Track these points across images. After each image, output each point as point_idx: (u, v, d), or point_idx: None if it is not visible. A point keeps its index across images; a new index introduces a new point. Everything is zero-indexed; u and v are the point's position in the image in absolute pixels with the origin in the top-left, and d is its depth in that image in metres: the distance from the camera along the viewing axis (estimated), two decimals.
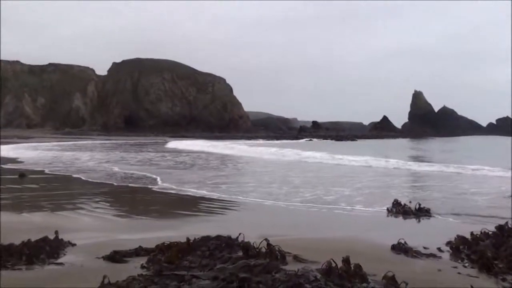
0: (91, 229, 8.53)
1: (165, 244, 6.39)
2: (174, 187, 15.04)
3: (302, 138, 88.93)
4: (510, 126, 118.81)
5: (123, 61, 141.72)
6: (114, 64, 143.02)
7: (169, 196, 13.37)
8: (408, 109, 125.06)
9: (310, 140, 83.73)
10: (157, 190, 14.52)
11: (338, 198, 12.96)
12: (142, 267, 5.77)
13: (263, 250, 5.98)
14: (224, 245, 6.43)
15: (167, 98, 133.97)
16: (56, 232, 6.86)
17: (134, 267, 5.77)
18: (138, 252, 6.41)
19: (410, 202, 11.23)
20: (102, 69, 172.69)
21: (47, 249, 6.32)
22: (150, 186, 15.30)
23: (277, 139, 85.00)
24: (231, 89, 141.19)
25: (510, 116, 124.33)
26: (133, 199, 13.20)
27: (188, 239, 6.46)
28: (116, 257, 6.15)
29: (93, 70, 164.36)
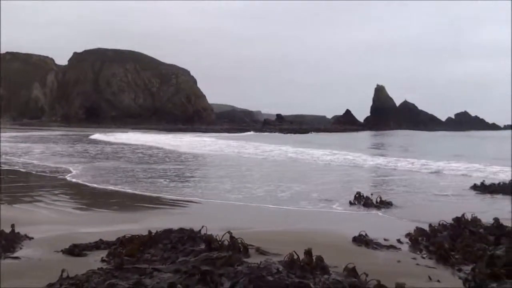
0: (50, 222, 8.34)
1: (127, 237, 6.31)
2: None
3: (266, 131, 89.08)
4: (468, 120, 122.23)
5: (85, 51, 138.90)
6: (75, 54, 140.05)
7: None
8: (371, 103, 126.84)
9: (271, 132, 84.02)
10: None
11: (298, 192, 13.05)
12: (103, 260, 5.68)
13: (226, 243, 5.97)
14: (186, 238, 6.39)
15: (130, 89, 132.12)
16: (12, 226, 6.67)
17: (94, 261, 5.67)
18: (99, 245, 6.30)
19: (372, 194, 11.40)
20: (62, 59, 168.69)
21: (3, 243, 6.14)
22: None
23: (241, 131, 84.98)
24: (195, 81, 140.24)
25: (467, 111, 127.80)
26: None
27: (150, 232, 6.39)
28: (75, 250, 6.04)
29: (52, 60, 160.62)
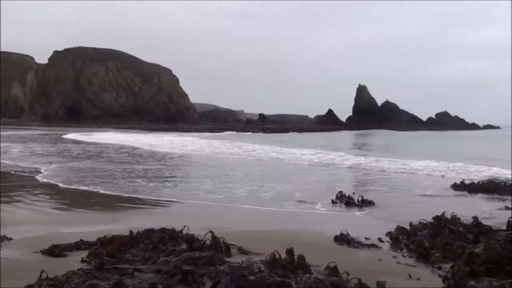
0: (29, 223, 8.23)
1: (107, 237, 6.26)
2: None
3: (248, 131, 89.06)
4: (448, 120, 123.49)
5: (65, 50, 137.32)
6: (55, 52, 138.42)
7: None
8: (353, 103, 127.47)
9: (254, 132, 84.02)
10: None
11: (281, 192, 13.08)
12: (83, 261, 5.63)
13: (208, 242, 5.96)
14: (168, 237, 6.37)
15: (111, 89, 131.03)
16: None
17: (74, 261, 5.62)
18: (79, 245, 6.25)
19: (353, 194, 11.47)
20: (42, 58, 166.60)
21: None
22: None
23: (224, 131, 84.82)
24: (177, 80, 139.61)
25: (447, 111, 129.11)
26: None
27: (131, 232, 6.35)
28: (55, 251, 5.97)
29: (32, 58, 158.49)
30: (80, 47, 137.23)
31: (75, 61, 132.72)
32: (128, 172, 17.03)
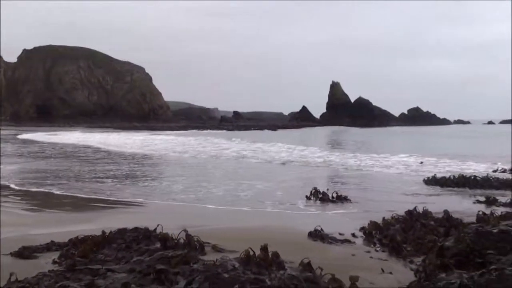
0: None
1: (79, 237, 6.18)
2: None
3: (223, 128, 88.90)
4: (420, 116, 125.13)
5: (35, 48, 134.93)
6: (25, 51, 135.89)
7: None
8: (327, 100, 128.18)
9: (228, 130, 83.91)
10: None
11: (255, 189, 13.09)
12: (54, 262, 5.54)
13: (182, 241, 5.93)
14: (141, 237, 6.32)
15: (83, 87, 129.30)
16: None
17: (45, 263, 5.52)
18: (50, 247, 6.14)
19: (327, 190, 11.55)
20: (11, 57, 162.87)
21: None
22: None
23: (198, 129, 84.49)
24: (150, 79, 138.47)
25: (419, 106, 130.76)
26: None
27: (103, 232, 6.28)
28: (25, 253, 5.86)
29: (0, 57, 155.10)
30: (50, 46, 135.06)
31: (45, 60, 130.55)
32: (89, 172, 16.84)
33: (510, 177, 14.85)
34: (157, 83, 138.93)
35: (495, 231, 5.06)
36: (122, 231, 6.41)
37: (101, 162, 20.85)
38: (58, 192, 12.08)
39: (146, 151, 28.96)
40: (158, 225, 6.48)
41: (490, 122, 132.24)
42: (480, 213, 7.84)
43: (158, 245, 5.88)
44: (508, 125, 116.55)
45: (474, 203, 10.94)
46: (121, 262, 5.27)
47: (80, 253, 5.61)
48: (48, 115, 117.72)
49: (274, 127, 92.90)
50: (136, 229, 6.51)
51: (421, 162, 20.02)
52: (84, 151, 28.10)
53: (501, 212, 7.96)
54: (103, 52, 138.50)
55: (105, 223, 7.86)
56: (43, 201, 11.00)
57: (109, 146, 31.82)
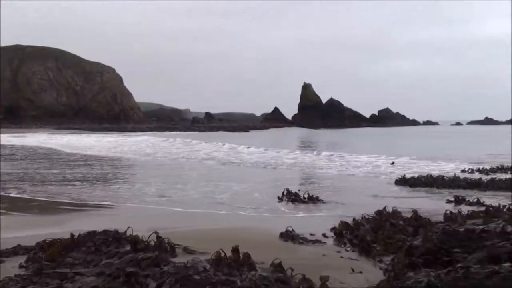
0: None
1: (47, 241, 6.06)
2: None
3: (195, 130, 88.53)
4: (390, 117, 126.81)
5: (2, 48, 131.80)
6: None
7: None
8: (299, 101, 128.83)
9: (200, 131, 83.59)
10: None
11: (227, 190, 13.08)
12: (21, 266, 5.42)
13: (152, 243, 5.88)
14: (111, 239, 6.22)
15: (52, 88, 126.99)
16: None
17: (12, 267, 5.40)
18: (17, 251, 6.01)
19: (299, 190, 11.61)
20: None
21: None
22: None
23: (170, 130, 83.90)
24: (121, 79, 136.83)
25: (389, 107, 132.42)
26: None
27: (72, 235, 6.17)
28: None
29: None
30: (17, 46, 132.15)
31: (13, 60, 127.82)
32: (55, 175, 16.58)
33: (477, 177, 15.17)
34: (128, 84, 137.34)
35: (461, 230, 5.17)
36: (91, 234, 6.31)
37: (69, 165, 20.54)
38: (25, 196, 11.84)
39: (116, 153, 28.64)
40: (128, 228, 6.40)
41: (458, 123, 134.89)
42: (448, 212, 8.00)
43: (128, 247, 5.81)
44: (475, 126, 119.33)
45: (442, 202, 11.14)
46: (90, 265, 5.19)
47: (48, 256, 5.50)
48: (15, 116, 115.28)
49: (246, 128, 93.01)
50: (105, 231, 6.41)
51: (392, 163, 20.29)
52: (51, 154, 27.62)
53: (468, 211, 8.13)
54: (72, 53, 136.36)
55: (74, 226, 7.73)
56: (9, 204, 10.75)
57: (77, 149, 31.22)
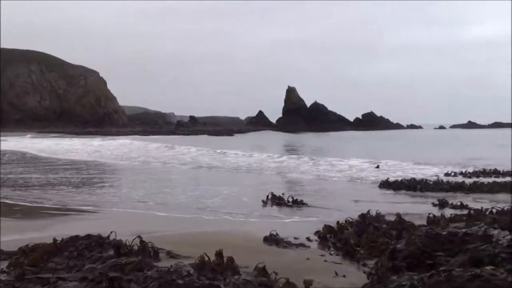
0: None
1: (29, 246, 6.00)
2: None
3: (179, 133, 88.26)
4: (374, 120, 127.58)
5: None
6: None
7: None
8: (283, 104, 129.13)
9: (185, 134, 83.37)
10: None
11: (211, 194, 13.05)
12: (2, 272, 5.35)
13: (136, 247, 5.85)
14: (94, 244, 6.18)
15: (35, 91, 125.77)
16: None
17: None
18: None
19: (283, 194, 11.62)
20: None
21: None
22: None
23: (154, 134, 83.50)
24: (105, 83, 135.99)
25: (373, 111, 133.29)
26: None
27: (54, 240, 6.11)
28: None
29: None
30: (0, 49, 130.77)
31: None
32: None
33: (461, 181, 15.33)
34: (112, 87, 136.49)
35: (444, 233, 5.22)
36: (74, 239, 6.26)
37: (52, 170, 20.34)
38: (6, 200, 11.70)
39: (99, 157, 28.42)
40: (111, 232, 6.36)
41: (441, 127, 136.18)
42: (431, 215, 8.07)
43: (111, 252, 5.77)
44: (459, 130, 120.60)
45: (425, 205, 11.23)
46: (73, 270, 5.14)
47: (30, 261, 5.44)
48: None
49: (230, 132, 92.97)
50: (88, 236, 6.37)
51: (377, 166, 20.41)
52: (32, 159, 27.33)
53: (451, 215, 8.22)
54: (55, 56, 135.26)
55: (57, 230, 7.67)
56: None
57: (57, 154, 30.80)
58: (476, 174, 17.65)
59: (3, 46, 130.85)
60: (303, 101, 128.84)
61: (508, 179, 15.84)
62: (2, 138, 54.08)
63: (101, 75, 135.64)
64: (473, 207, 9.84)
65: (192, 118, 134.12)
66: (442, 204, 11.06)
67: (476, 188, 13.70)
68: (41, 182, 15.46)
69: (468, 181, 15.24)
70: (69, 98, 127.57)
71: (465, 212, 8.89)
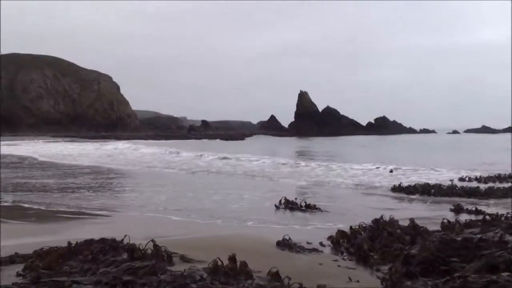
0: None
1: (44, 249, 6.05)
2: None
3: (191, 138, 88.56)
4: (387, 125, 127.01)
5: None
6: None
7: None
8: (295, 108, 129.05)
9: (197, 139, 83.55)
10: None
11: (223, 199, 13.07)
12: (18, 275, 5.40)
13: (149, 251, 5.87)
14: (108, 248, 6.21)
15: (49, 96, 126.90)
16: None
17: (9, 276, 5.38)
18: (14, 259, 5.98)
19: (296, 198, 11.60)
20: None
21: None
22: None
23: (167, 138, 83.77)
24: (118, 87, 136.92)
25: (386, 116, 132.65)
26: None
27: (69, 243, 6.16)
28: None
29: None
30: (14, 54, 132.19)
31: (9, 68, 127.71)
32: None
33: (475, 186, 15.20)
34: (124, 91, 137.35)
35: (459, 239, 5.18)
36: (88, 242, 6.30)
37: (67, 175, 20.49)
38: (22, 204, 11.80)
39: (110, 162, 28.62)
40: (125, 236, 6.39)
41: (455, 131, 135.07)
42: (445, 221, 8.01)
43: (125, 256, 5.80)
44: (473, 134, 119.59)
45: (439, 211, 11.14)
46: (87, 273, 5.18)
47: (45, 265, 5.48)
48: (11, 124, 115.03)
49: (242, 136, 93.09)
50: (102, 240, 6.41)
51: (391, 171, 20.31)
52: (40, 164, 27.55)
53: (465, 220, 8.16)
54: (69, 61, 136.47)
55: (71, 234, 7.72)
56: (7, 213, 10.71)
57: (69, 160, 30.98)
58: (491, 179, 17.48)
59: (16, 51, 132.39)
60: (315, 105, 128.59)
61: None
62: (14, 143, 54.51)
63: (114, 79, 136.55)
64: (488, 212, 9.74)
65: (204, 122, 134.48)
66: (457, 210, 10.98)
67: (491, 193, 13.57)
68: (55, 186, 15.58)
69: (483, 186, 15.11)
70: (83, 102, 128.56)
71: (480, 217, 8.81)
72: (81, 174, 19.73)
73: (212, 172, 21.21)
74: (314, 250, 6.99)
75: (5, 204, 11.78)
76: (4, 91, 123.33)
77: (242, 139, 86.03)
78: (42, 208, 11.24)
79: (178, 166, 24.62)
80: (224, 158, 29.18)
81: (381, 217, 8.23)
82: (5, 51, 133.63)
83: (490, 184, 15.75)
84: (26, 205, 11.54)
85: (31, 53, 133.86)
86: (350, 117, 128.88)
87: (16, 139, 66.99)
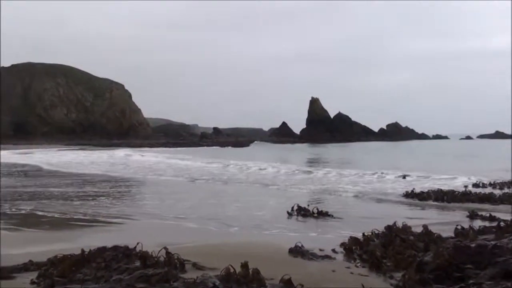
0: None
1: (58, 257, 6.09)
2: None
3: (203, 145, 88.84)
4: (399, 131, 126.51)
5: (12, 65, 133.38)
6: (2, 68, 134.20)
7: None
8: (306, 115, 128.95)
9: (209, 146, 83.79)
10: None
11: (236, 207, 13.07)
12: (32, 282, 5.45)
13: (162, 259, 5.89)
14: (121, 255, 6.25)
15: (62, 104, 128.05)
16: None
17: (23, 283, 5.43)
18: (28, 266, 6.04)
19: (308, 205, 11.57)
20: None
21: None
22: None
23: (179, 146, 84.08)
24: (130, 95, 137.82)
25: (398, 122, 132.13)
26: None
27: (82, 251, 6.20)
28: (2, 273, 5.75)
29: None
30: (28, 63, 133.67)
31: (24, 77, 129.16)
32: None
33: (489, 192, 15.06)
34: (137, 99, 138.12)
35: (473, 245, 5.13)
36: (101, 250, 6.34)
37: (81, 184, 20.62)
38: (36, 212, 11.89)
39: (121, 170, 28.76)
40: (138, 243, 6.42)
41: (468, 137, 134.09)
42: (459, 227, 7.94)
43: (138, 263, 5.83)
44: (486, 140, 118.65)
45: (453, 217, 11.06)
46: (101, 281, 5.20)
47: (59, 272, 5.53)
48: (25, 132, 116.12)
49: (248, 142, 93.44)
50: (115, 247, 6.44)
51: (404, 177, 20.21)
52: (54, 172, 27.77)
53: (479, 226, 8.08)
54: (82, 69, 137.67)
55: (85, 242, 7.77)
56: (21, 220, 10.80)
57: (83, 169, 31.25)
58: (506, 184, 17.30)
59: (29, 60, 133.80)
60: (327, 112, 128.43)
61: None
62: (29, 151, 54.95)
63: (126, 87, 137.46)
64: (503, 218, 9.64)
65: (215, 129, 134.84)
66: (471, 216, 10.88)
67: (505, 200, 13.42)
68: (73, 194, 15.68)
69: (498, 192, 14.96)
70: (95, 110, 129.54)
71: (494, 224, 8.73)
72: (99, 182, 19.82)
73: (221, 180, 21.23)
74: (327, 257, 6.96)
75: (22, 212, 11.87)
76: (18, 100, 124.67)
77: (247, 145, 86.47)
78: (56, 215, 11.32)
79: (188, 174, 24.69)
80: (232, 165, 29.23)
81: (394, 223, 8.19)
82: (19, 60, 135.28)
83: (505, 190, 15.59)
84: (40, 213, 11.63)
85: (44, 62, 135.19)
86: (362, 123, 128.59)
87: (31, 147, 67.54)
